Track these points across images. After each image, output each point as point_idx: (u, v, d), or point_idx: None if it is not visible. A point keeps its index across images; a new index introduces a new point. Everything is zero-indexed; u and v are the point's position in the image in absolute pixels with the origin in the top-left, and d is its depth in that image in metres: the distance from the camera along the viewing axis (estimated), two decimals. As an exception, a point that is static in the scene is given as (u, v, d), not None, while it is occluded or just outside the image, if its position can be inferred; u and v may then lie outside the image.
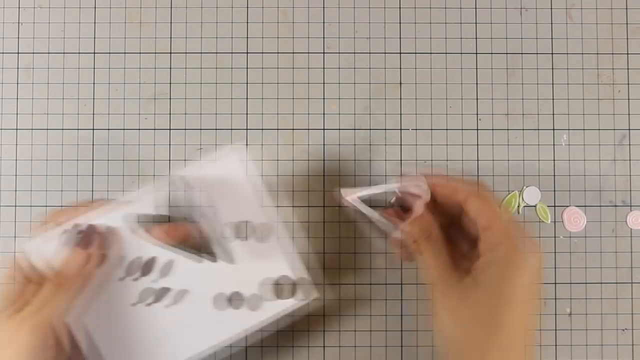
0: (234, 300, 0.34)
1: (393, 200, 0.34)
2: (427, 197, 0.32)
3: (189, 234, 0.34)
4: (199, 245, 0.36)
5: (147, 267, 0.34)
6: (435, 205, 0.33)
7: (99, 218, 0.33)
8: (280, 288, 0.35)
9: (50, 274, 0.32)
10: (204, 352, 0.34)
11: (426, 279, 0.32)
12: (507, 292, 0.31)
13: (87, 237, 0.33)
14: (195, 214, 0.34)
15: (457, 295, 0.31)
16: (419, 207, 0.33)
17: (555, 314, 0.40)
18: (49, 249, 0.32)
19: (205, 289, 0.34)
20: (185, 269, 0.34)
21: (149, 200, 0.34)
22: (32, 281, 0.32)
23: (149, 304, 0.34)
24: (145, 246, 0.34)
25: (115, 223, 0.33)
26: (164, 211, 0.34)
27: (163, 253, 0.34)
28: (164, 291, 0.34)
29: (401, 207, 0.33)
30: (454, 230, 0.33)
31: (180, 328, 0.34)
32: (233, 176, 0.35)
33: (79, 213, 0.33)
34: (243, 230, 0.34)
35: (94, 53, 0.40)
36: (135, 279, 0.34)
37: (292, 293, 0.35)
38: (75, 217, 0.33)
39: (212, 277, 0.34)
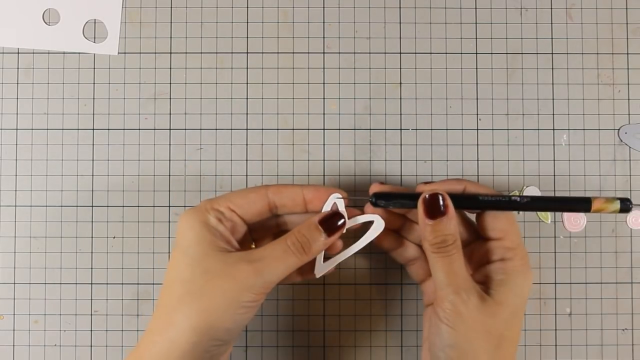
0: None
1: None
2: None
3: None
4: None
5: None
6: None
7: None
8: None
9: (301, 235, 0.32)
10: None
11: (442, 286, 0.31)
12: (519, 305, 0.32)
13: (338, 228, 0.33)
14: None
15: (473, 305, 0.30)
16: (450, 208, 0.32)
17: (555, 314, 0.40)
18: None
19: None
20: None
21: None
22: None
23: None
24: None
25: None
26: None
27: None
28: None
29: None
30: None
31: None
32: None
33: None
34: None
35: (94, 53, 0.40)
36: None
37: None
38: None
39: None
